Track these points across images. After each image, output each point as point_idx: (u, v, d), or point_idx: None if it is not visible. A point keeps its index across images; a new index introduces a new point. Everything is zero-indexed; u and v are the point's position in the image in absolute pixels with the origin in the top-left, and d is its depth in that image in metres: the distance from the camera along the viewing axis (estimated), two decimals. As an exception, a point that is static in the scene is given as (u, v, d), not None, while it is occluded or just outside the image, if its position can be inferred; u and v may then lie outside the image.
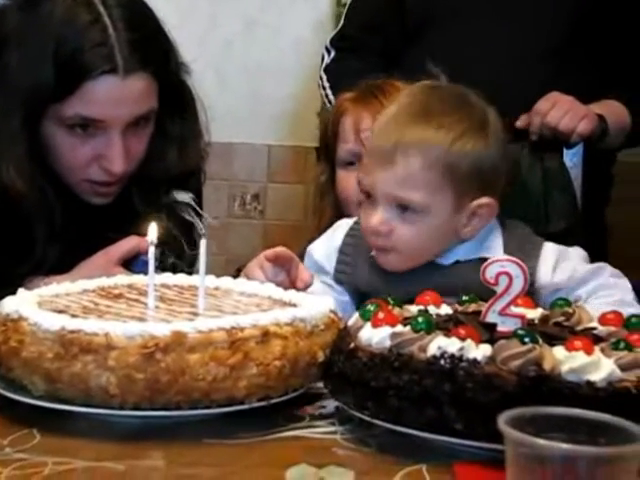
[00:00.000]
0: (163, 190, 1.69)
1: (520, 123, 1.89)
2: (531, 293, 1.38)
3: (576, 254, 1.59)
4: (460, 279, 1.48)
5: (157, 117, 1.66)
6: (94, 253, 1.58)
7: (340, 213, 1.83)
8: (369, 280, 1.57)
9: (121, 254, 1.57)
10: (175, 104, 1.69)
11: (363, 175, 1.54)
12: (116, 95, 1.56)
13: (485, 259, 1.50)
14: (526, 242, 1.57)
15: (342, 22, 2.28)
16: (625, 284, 1.55)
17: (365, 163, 1.55)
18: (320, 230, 1.75)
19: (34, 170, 1.58)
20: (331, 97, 2.14)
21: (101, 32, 1.55)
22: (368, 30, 2.20)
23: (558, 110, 1.89)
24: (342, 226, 1.66)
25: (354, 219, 1.66)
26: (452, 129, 1.47)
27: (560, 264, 1.55)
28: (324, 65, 2.24)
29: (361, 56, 2.18)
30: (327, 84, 2.19)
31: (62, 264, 1.57)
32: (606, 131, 1.97)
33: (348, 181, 1.82)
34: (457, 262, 1.54)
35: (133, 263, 1.57)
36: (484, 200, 1.51)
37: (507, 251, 1.51)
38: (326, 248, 1.64)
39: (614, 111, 2.01)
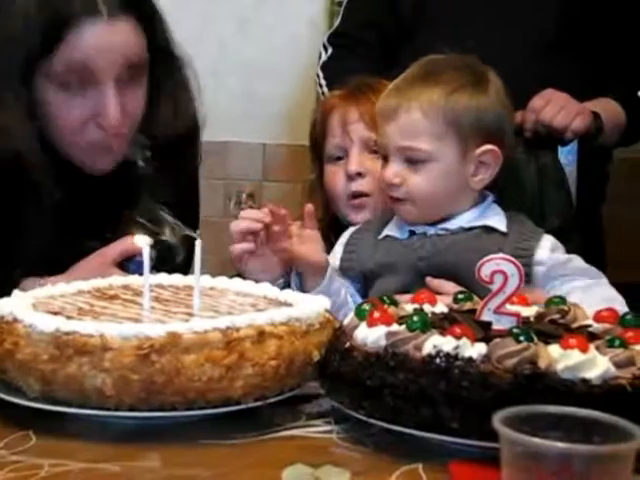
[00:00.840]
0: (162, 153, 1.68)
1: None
2: (527, 274, 1.41)
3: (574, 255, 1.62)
4: (463, 245, 1.55)
5: (150, 79, 1.65)
6: (89, 251, 1.58)
7: (329, 211, 1.84)
8: (375, 257, 1.61)
9: (116, 255, 1.57)
10: (167, 69, 1.69)
11: (378, 137, 1.64)
12: (103, 41, 1.55)
13: (488, 227, 1.56)
14: (527, 226, 1.62)
15: (339, 19, 2.28)
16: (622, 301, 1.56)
17: (378, 127, 1.63)
18: None
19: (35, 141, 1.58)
20: (328, 95, 2.14)
21: None
22: (364, 28, 2.20)
23: (552, 107, 1.89)
24: (348, 230, 1.72)
25: (358, 227, 1.70)
26: (449, 83, 1.57)
27: (558, 250, 1.59)
28: (321, 62, 2.23)
29: (358, 53, 2.18)
30: (324, 82, 2.19)
31: (57, 260, 1.57)
32: (601, 128, 1.97)
33: (336, 175, 1.82)
34: (461, 228, 1.58)
35: (128, 264, 1.57)
36: (488, 147, 1.57)
37: (509, 229, 1.58)
38: (333, 251, 1.68)
39: (609, 108, 2.01)
